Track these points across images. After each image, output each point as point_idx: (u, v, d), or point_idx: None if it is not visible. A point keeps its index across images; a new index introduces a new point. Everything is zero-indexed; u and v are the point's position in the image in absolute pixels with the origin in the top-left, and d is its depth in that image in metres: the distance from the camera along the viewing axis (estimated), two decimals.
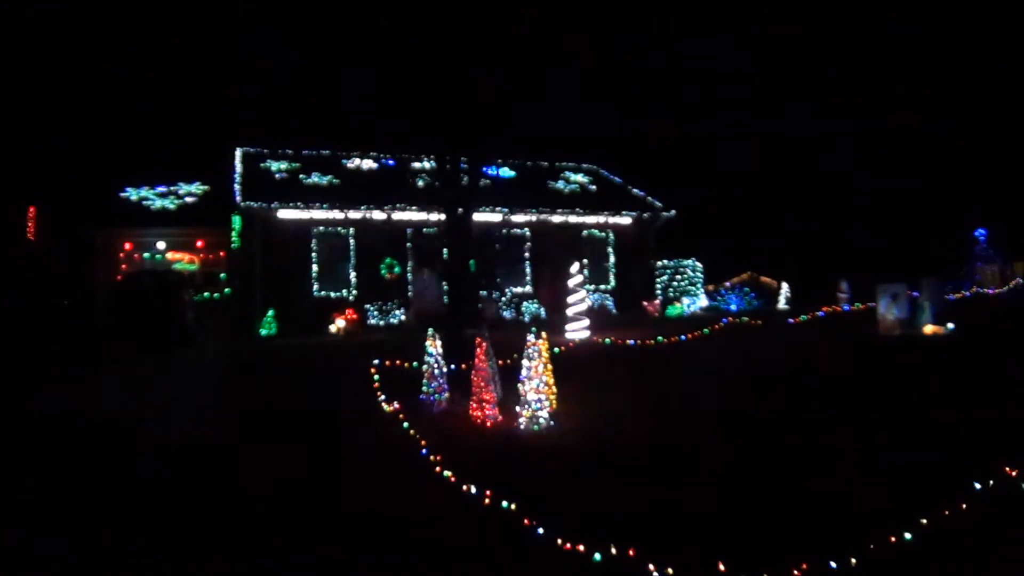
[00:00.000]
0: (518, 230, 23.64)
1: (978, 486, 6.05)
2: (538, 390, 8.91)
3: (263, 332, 19.22)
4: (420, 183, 23.94)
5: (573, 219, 24.19)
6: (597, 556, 5.16)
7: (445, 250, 21.77)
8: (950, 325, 15.82)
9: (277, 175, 22.91)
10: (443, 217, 21.83)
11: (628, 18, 38.58)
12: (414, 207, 22.14)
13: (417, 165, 25.29)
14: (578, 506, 6.23)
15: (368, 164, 24.98)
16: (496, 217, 23.11)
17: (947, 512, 5.63)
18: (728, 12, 41.12)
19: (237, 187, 21.30)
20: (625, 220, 24.85)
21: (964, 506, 5.76)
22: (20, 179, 29.21)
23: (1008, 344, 13.43)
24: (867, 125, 35.81)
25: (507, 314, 21.52)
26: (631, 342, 15.21)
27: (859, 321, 17.92)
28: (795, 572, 4.89)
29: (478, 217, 22.24)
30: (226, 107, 32.95)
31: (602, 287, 24.00)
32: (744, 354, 14.67)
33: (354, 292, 21.42)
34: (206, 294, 21.78)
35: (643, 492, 6.64)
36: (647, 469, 7.35)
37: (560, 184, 26.07)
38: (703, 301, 24.10)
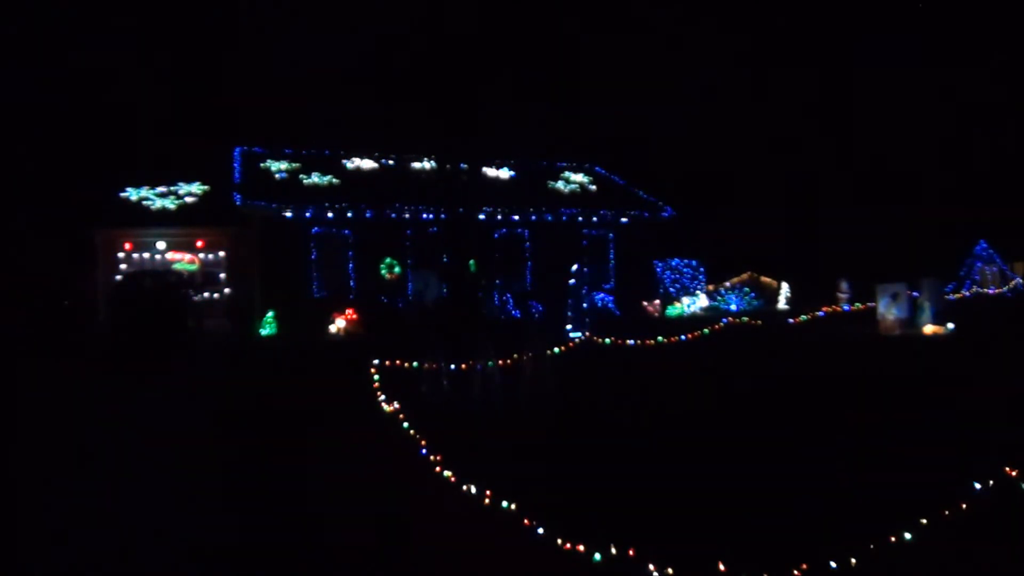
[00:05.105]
0: (518, 230, 23.64)
1: (978, 486, 6.04)
2: (537, 389, 8.92)
3: (263, 332, 19.21)
4: (420, 183, 23.93)
5: (573, 219, 24.20)
6: (597, 556, 5.16)
7: (445, 250, 21.88)
8: (950, 325, 15.84)
9: (277, 175, 22.91)
10: (443, 217, 21.96)
11: (628, 17, 38.59)
12: (414, 207, 22.14)
13: (417, 165, 25.29)
14: (579, 505, 6.23)
15: (368, 164, 24.97)
16: (496, 217, 23.11)
17: (947, 512, 5.63)
18: (728, 10, 41.08)
19: (237, 187, 21.29)
20: (625, 220, 24.86)
21: (964, 506, 5.76)
22: (20, 179, 29.21)
23: (1008, 344, 13.43)
24: (867, 124, 35.81)
25: (507, 314, 21.51)
26: (631, 342, 15.21)
27: (859, 321, 17.93)
28: (795, 572, 4.89)
29: (478, 217, 22.34)
30: (226, 107, 32.91)
31: (602, 287, 23.99)
32: (744, 354, 14.68)
33: (354, 292, 21.42)
34: (206, 294, 21.77)
35: (644, 491, 6.65)
36: (648, 468, 7.35)
37: (560, 184, 26.06)
38: (703, 301, 24.10)
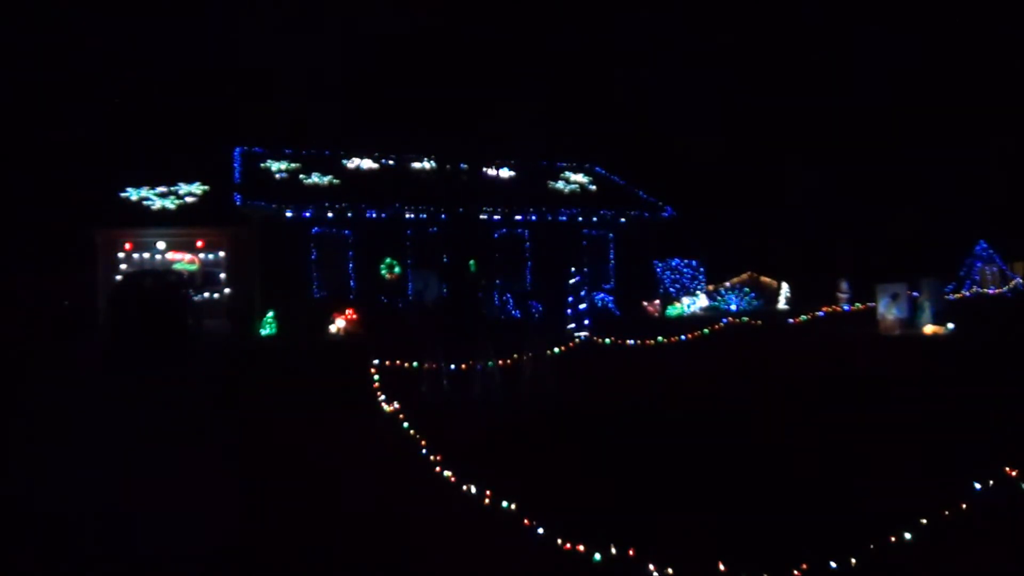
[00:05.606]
0: (518, 230, 23.63)
1: (978, 486, 6.04)
2: (537, 389, 8.92)
3: (263, 332, 19.21)
4: (420, 183, 23.95)
5: (573, 219, 24.20)
6: (597, 556, 5.16)
7: (445, 250, 21.88)
8: (950, 325, 15.84)
9: (277, 175, 22.90)
10: (443, 217, 21.97)
11: (629, 18, 38.62)
12: (414, 207, 22.14)
13: (417, 165, 25.29)
14: (581, 505, 6.23)
15: (368, 164, 24.97)
16: (496, 217, 23.11)
17: (947, 512, 5.63)
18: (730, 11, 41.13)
19: (237, 187, 21.29)
20: (625, 220, 24.86)
21: (964, 506, 5.76)
22: (20, 179, 29.23)
23: (1008, 344, 13.43)
24: (866, 123, 35.83)
25: (507, 314, 21.52)
26: (631, 342, 15.21)
27: (859, 321, 17.93)
28: (795, 572, 4.89)
29: (478, 217, 22.34)
30: (226, 107, 32.93)
31: (602, 287, 23.99)
32: (744, 354, 14.68)
33: (354, 292, 21.41)
34: (206, 294, 21.78)
35: (643, 491, 6.65)
36: (648, 468, 7.36)
37: (560, 184, 26.05)
38: (703, 301, 24.11)
